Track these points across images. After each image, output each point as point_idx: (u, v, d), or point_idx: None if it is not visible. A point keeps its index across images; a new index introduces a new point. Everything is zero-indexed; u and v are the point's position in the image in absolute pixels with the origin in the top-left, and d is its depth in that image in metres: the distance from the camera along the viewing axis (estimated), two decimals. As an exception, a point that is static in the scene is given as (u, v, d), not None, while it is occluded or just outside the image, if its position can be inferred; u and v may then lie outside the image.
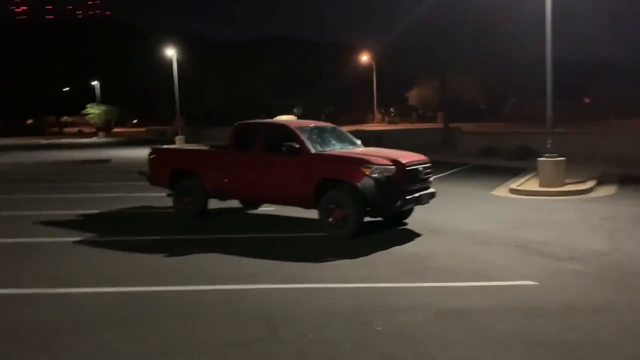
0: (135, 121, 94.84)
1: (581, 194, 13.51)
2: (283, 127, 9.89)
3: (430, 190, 9.42)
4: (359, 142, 10.67)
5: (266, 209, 11.50)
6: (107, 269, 7.31)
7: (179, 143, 38.96)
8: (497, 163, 20.92)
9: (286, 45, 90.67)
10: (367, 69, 72.51)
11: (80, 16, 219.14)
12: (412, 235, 9.06)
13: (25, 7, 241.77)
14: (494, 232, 9.16)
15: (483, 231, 9.22)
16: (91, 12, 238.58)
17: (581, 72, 65.95)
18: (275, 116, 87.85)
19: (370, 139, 31.22)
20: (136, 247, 8.42)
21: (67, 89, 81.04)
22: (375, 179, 8.47)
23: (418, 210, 10.79)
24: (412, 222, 10.02)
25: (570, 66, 68.03)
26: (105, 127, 69.48)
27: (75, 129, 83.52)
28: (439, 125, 54.21)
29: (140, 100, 73.33)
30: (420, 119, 77.05)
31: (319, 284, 6.43)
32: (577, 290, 6.14)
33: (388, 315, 5.40)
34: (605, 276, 6.59)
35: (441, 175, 17.95)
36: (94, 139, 57.86)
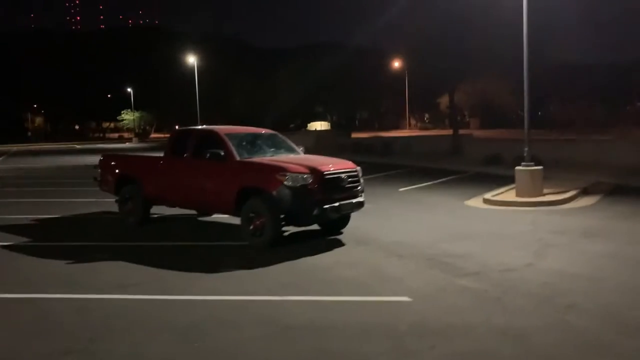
0: (177, 127, 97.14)
1: (557, 204, 12.90)
2: (212, 133, 9.83)
3: (357, 199, 9.15)
4: (299, 149, 10.51)
5: (219, 216, 11.47)
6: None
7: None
8: (498, 171, 20.18)
9: (324, 52, 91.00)
10: (401, 75, 71.83)
11: (130, 25, 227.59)
12: (333, 246, 8.82)
13: (79, 17, 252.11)
14: (422, 243, 8.82)
15: (411, 243, 8.88)
16: (141, 21, 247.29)
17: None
18: (310, 123, 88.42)
19: (380, 146, 31.08)
20: (53, 252, 8.51)
21: (109, 95, 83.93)
22: (290, 187, 8.30)
23: (364, 219, 10.61)
24: (348, 231, 9.80)
25: (621, 69, 65.39)
26: (143, 132, 71.44)
27: (116, 135, 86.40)
28: (470, 131, 53.10)
29: (180, 106, 75.18)
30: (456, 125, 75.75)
31: (188, 296, 6.31)
32: (445, 308, 5.80)
33: (224, 331, 5.23)
34: (487, 295, 6.20)
35: (430, 183, 17.57)
36: (127, 144, 59.56)
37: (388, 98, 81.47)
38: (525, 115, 14.20)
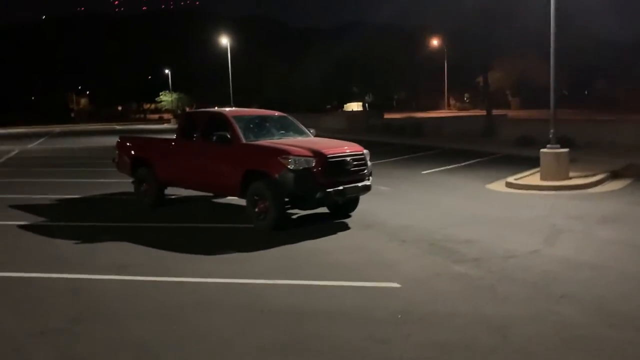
0: (215, 108, 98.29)
1: (582, 188, 12.45)
2: (220, 115, 9.84)
3: (363, 183, 9.00)
4: (310, 131, 10.42)
5: (233, 198, 11.51)
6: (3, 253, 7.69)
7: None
8: (529, 153, 19.50)
9: (361, 31, 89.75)
10: (440, 54, 70.31)
11: (172, 7, 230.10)
12: (338, 229, 8.75)
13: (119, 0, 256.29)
14: (430, 228, 8.65)
15: (419, 227, 8.73)
16: (182, 3, 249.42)
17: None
18: (346, 104, 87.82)
19: (411, 127, 30.57)
20: (64, 232, 8.74)
21: (149, 77, 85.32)
22: (292, 170, 8.24)
23: (378, 202, 10.52)
24: (358, 214, 9.71)
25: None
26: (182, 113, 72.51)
27: (156, 116, 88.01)
28: (509, 111, 51.63)
29: (215, 88, 75.86)
30: (496, 105, 73.83)
31: (180, 278, 6.35)
32: (433, 295, 5.67)
33: (205, 314, 5.25)
34: (481, 282, 6.03)
35: (456, 165, 17.20)
36: (164, 125, 60.60)
37: (427, 78, 79.93)
38: (552, 95, 13.70)
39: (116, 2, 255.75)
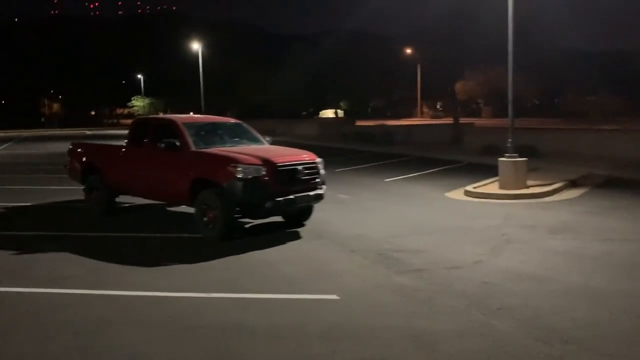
0: (191, 113, 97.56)
1: (539, 197, 12.56)
2: (170, 122, 9.65)
3: (315, 192, 8.88)
4: (266, 139, 10.29)
5: (186, 207, 11.30)
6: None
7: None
8: (493, 162, 19.65)
9: (337, 38, 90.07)
10: (414, 62, 70.88)
11: (148, 11, 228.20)
12: (288, 239, 8.61)
13: (97, 3, 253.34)
14: (381, 237, 8.57)
15: (370, 236, 8.64)
16: (159, 7, 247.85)
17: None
18: (322, 110, 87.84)
19: (381, 134, 30.65)
20: (5, 242, 8.44)
21: (123, 82, 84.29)
22: (241, 179, 8.08)
23: (334, 211, 10.45)
24: (311, 223, 9.60)
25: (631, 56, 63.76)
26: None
27: (129, 121, 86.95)
28: (477, 120, 52.24)
29: (190, 93, 75.19)
30: (468, 114, 74.73)
31: (111, 291, 6.11)
32: (369, 308, 5.57)
33: (127, 329, 5.06)
34: (419, 294, 5.95)
35: (420, 173, 17.26)
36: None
37: (401, 86, 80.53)
38: (509, 104, 13.81)
39: (92, 6, 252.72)
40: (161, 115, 10.98)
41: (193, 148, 8.93)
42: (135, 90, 72.25)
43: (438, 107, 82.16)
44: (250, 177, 8.12)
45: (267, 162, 8.30)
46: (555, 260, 7.32)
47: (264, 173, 8.21)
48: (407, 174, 17.00)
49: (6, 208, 11.57)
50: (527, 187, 13.25)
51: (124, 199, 11.21)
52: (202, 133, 9.52)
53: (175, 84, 70.20)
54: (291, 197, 8.41)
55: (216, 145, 9.24)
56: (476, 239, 8.51)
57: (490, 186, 13.75)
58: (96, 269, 7.06)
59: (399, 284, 6.31)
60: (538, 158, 18.42)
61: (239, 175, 8.08)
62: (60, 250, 7.93)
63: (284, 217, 9.62)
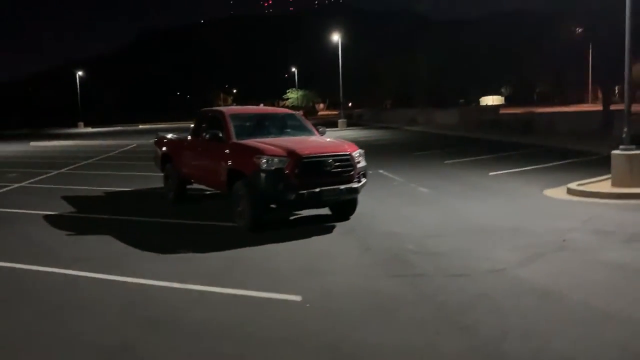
0: (350, 104, 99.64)
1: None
2: (219, 113, 9.84)
3: (347, 185, 8.40)
4: (319, 130, 10.04)
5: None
6: None
7: (340, 126, 40.21)
8: None
9: (497, 22, 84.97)
10: (585, 43, 63.81)
11: (317, 6, 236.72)
12: (320, 233, 8.34)
13: (271, 1, 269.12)
14: (413, 236, 7.88)
15: (402, 235, 7.99)
16: (330, 0, 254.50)
17: None
18: (481, 97, 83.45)
19: (519, 123, 28.20)
20: (72, 224, 9.37)
21: (286, 75, 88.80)
22: (264, 170, 8.00)
23: (394, 206, 10.07)
24: (356, 217, 9.23)
25: None
26: (309, 109, 74.63)
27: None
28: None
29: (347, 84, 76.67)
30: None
31: (109, 276, 6.37)
32: (322, 313, 5.12)
33: (78, 313, 5.29)
34: (391, 303, 5.33)
35: (537, 167, 15.54)
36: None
37: (571, 69, 73.13)
38: (626, 88, 11.74)
39: (266, 4, 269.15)
40: (215, 107, 11.21)
41: (234, 139, 9.02)
42: (291, 83, 75.80)
43: (616, 92, 73.08)
44: (273, 168, 7.98)
45: (292, 154, 8.08)
46: (597, 275, 6.07)
47: (288, 164, 8.00)
48: (521, 168, 15.38)
49: (105, 192, 12.87)
50: (646, 184, 11.22)
51: (205, 188, 11.67)
52: (248, 124, 9.58)
53: (326, 75, 72.08)
54: (316, 190, 8.08)
55: (258, 137, 9.16)
56: (523, 243, 7.40)
57: (602, 183, 11.88)
58: (119, 253, 7.42)
59: (378, 290, 5.72)
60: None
61: (263, 167, 8.00)
62: (105, 234, 8.55)
63: (331, 210, 9.35)
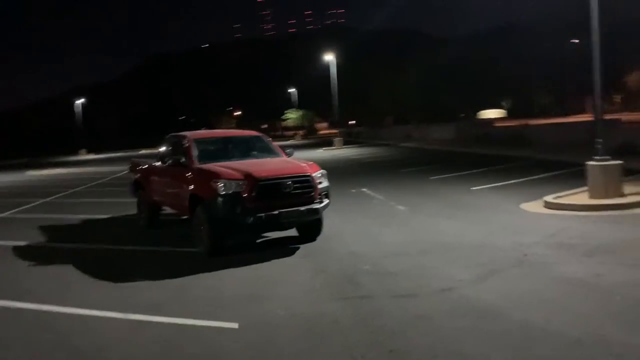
0: (350, 122, 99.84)
1: (631, 207, 10.42)
2: (183, 138, 9.82)
3: (307, 207, 8.28)
4: (285, 151, 9.98)
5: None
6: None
7: (337, 144, 40.23)
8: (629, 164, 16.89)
9: (496, 36, 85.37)
10: (581, 52, 63.95)
11: (319, 26, 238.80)
12: (278, 256, 8.19)
13: (271, 25, 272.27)
14: (373, 257, 7.75)
15: (362, 255, 7.86)
16: (327, 22, 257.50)
17: None
18: (481, 111, 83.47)
19: (509, 136, 28.09)
20: (36, 254, 9.24)
21: (289, 93, 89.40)
22: (221, 194, 7.92)
23: (362, 224, 10.03)
24: (324, 238, 9.11)
25: None
26: (309, 129, 74.86)
27: (292, 133, 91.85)
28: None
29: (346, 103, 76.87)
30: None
31: (47, 306, 6.30)
32: (256, 341, 5.00)
33: (15, 341, 5.22)
34: (328, 328, 5.20)
35: (519, 180, 15.37)
36: (290, 142, 62.79)
37: (570, 80, 73.32)
38: (595, 100, 11.65)
39: (266, 27, 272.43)
40: (179, 132, 11.13)
41: (196, 164, 8.97)
42: (290, 103, 76.14)
43: (613, 101, 73.03)
44: (230, 192, 7.91)
45: (249, 177, 8.01)
46: (546, 291, 5.92)
47: (245, 188, 7.93)
48: (503, 182, 15.23)
49: (82, 220, 12.82)
50: (624, 195, 11.08)
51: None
52: (211, 148, 9.55)
53: (326, 94, 72.44)
54: (275, 212, 7.99)
55: (221, 160, 9.07)
56: (483, 260, 7.25)
57: (579, 195, 11.74)
58: (68, 284, 7.32)
59: (320, 314, 5.58)
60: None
61: (220, 191, 7.92)
62: (68, 263, 8.46)
63: (297, 231, 9.25)
